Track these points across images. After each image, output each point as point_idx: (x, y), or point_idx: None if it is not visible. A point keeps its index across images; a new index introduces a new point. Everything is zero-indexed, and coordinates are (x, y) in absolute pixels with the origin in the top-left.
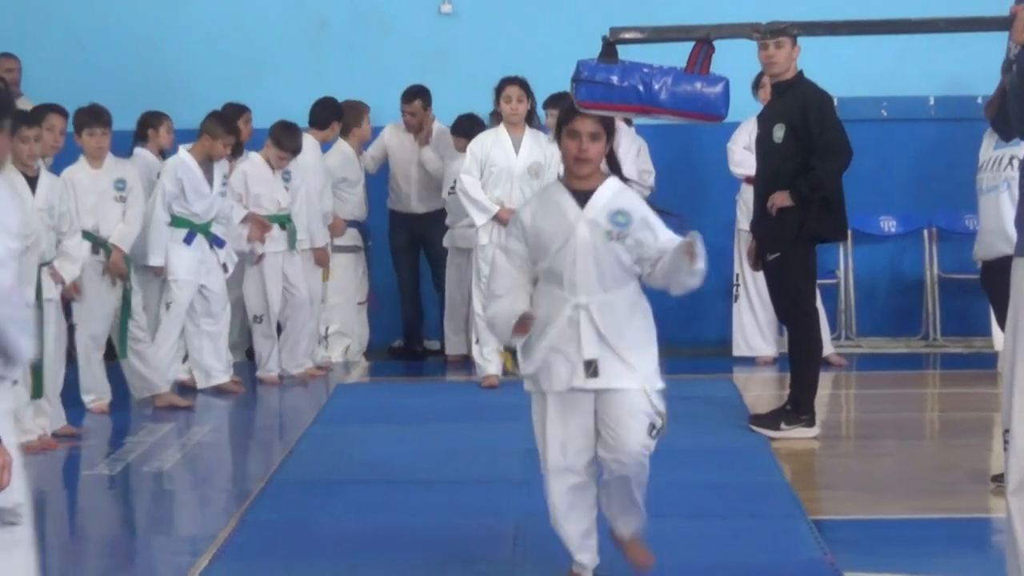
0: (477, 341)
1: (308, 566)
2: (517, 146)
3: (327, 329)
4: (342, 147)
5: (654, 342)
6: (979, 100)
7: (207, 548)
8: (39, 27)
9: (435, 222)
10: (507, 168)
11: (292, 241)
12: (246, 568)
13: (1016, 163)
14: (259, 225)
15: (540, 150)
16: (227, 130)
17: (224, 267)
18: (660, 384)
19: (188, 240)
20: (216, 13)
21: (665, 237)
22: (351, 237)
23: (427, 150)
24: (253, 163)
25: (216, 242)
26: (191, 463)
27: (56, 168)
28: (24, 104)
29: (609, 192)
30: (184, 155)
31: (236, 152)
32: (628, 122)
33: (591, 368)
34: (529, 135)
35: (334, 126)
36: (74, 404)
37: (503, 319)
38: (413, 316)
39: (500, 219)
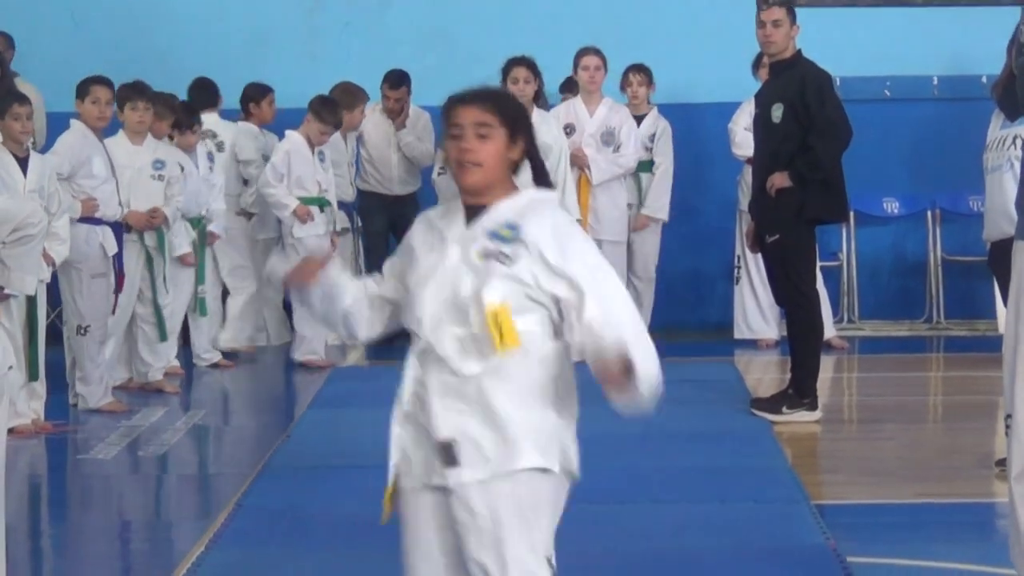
0: None
1: (305, 551)
2: None
3: None
4: (289, 133)
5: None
6: (983, 79)
7: (203, 533)
8: (34, 3)
9: (412, 204)
10: None
11: (332, 224)
12: (243, 553)
13: (1020, 143)
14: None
15: (547, 131)
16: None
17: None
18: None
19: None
20: None
21: (595, 312)
22: (339, 219)
23: (405, 133)
24: (295, 143)
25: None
26: (187, 447)
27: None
28: (20, 84)
29: (512, 208)
30: (295, 135)
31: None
32: (647, 101)
33: (448, 454)
34: (536, 116)
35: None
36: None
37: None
38: None
39: None
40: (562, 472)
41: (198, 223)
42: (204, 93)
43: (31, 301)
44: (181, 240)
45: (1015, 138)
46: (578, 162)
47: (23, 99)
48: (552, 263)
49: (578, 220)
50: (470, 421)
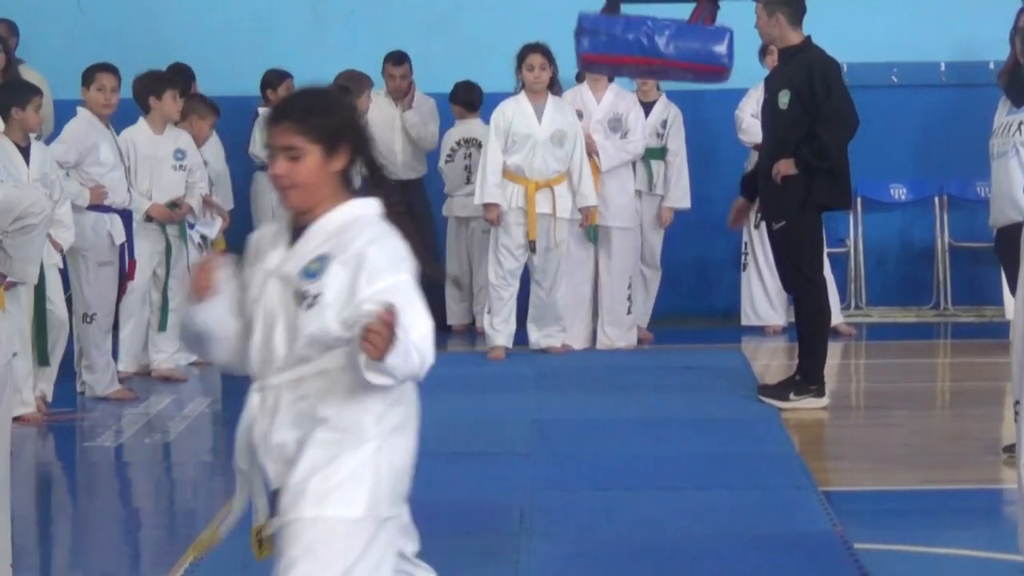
0: (489, 311)
1: None
2: (540, 114)
3: None
4: None
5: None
6: (991, 65)
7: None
8: None
9: (419, 189)
10: (529, 136)
11: None
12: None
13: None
14: None
15: (563, 118)
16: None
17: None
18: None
19: None
20: None
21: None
22: None
23: (411, 114)
24: None
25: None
26: (195, 435)
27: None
28: (26, 72)
29: (329, 228)
30: None
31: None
32: (658, 88)
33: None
34: (552, 103)
35: None
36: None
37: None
38: None
39: (487, 218)
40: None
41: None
42: (179, 78)
43: (39, 288)
44: (212, 228)
45: (1020, 124)
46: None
47: (38, 90)
48: (357, 296)
49: (591, 206)
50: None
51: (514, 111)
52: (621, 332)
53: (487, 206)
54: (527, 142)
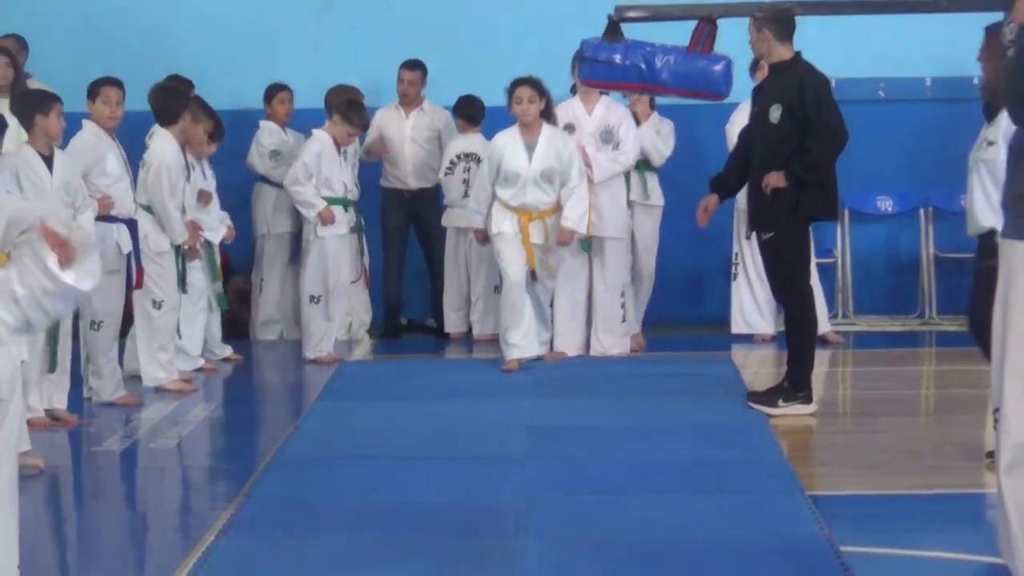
0: (506, 329)
1: (313, 540)
2: (531, 150)
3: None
4: (317, 132)
5: None
6: (975, 81)
7: (214, 522)
8: (46, 5)
9: (429, 199)
10: (519, 174)
11: (357, 226)
12: (252, 542)
13: (986, 144)
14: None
15: (555, 153)
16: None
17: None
18: None
19: None
20: None
21: None
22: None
23: (420, 116)
24: (324, 143)
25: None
26: (199, 439)
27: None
28: (33, 84)
29: None
30: (324, 135)
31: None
32: (651, 103)
33: None
34: (546, 136)
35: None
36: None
37: None
38: (397, 293)
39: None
40: None
41: None
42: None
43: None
44: (216, 233)
45: (986, 140)
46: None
47: (58, 97)
48: None
49: (571, 229)
50: None
51: (506, 145)
52: (615, 340)
53: (474, 228)
54: (517, 180)
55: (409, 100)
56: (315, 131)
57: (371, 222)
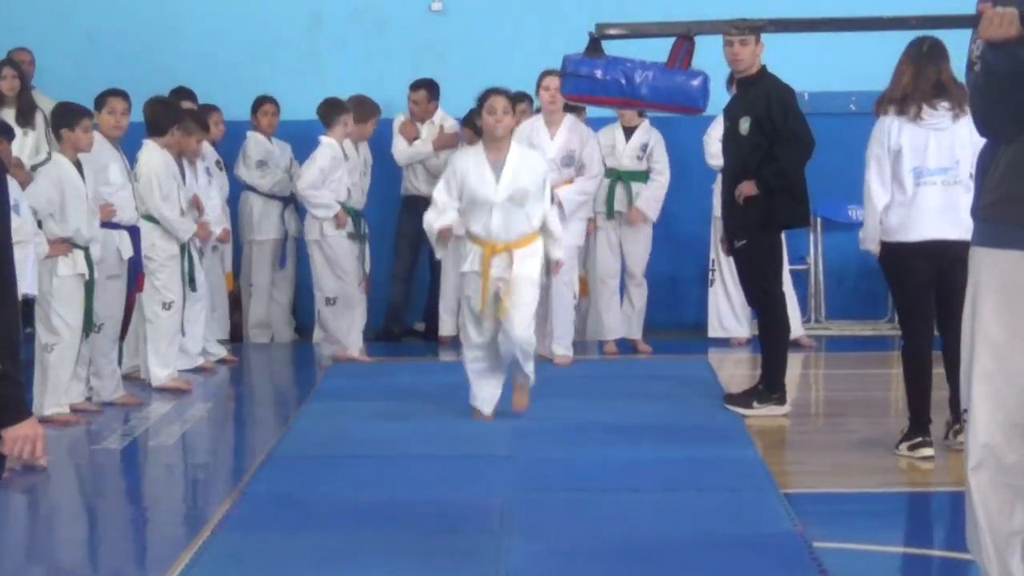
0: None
1: (304, 537)
2: (499, 171)
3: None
4: (326, 140)
5: None
6: None
7: (208, 520)
8: (51, 22)
9: None
10: (484, 197)
11: (359, 234)
12: (245, 539)
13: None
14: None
15: (529, 174)
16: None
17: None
18: None
19: None
20: (217, 11)
21: None
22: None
23: (418, 143)
24: (336, 149)
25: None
26: (194, 439)
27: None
28: (38, 97)
29: None
30: (333, 141)
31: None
32: (641, 114)
33: None
34: (515, 154)
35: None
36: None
37: None
38: (402, 299)
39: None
40: None
41: None
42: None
43: (88, 297)
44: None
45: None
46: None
47: (90, 113)
48: None
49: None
50: None
51: (472, 163)
52: (567, 349)
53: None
54: (480, 206)
55: (418, 117)
56: (323, 138)
57: (387, 230)
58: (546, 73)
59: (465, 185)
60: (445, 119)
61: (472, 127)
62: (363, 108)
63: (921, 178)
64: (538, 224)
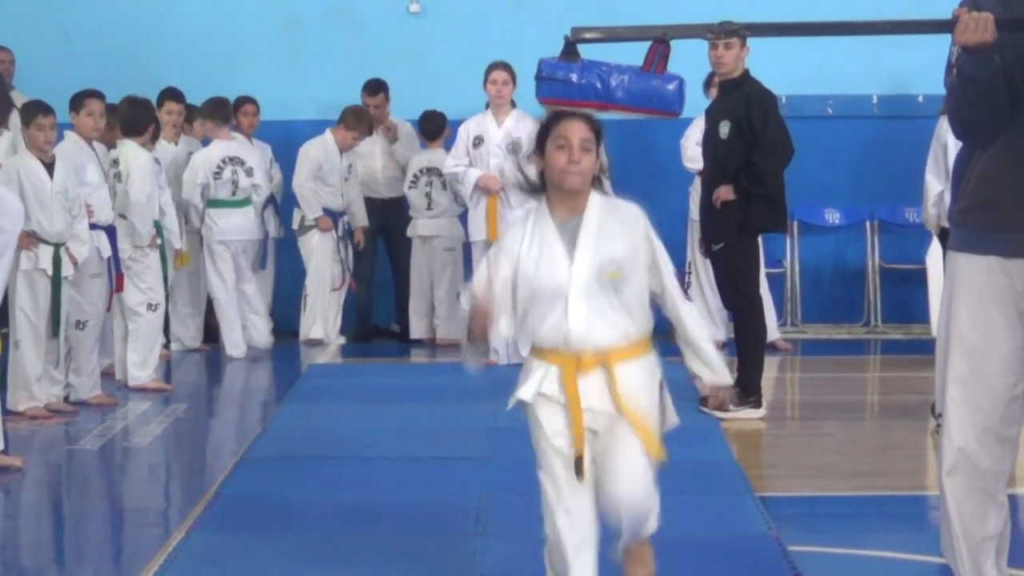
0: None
1: (280, 538)
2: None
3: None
4: (327, 139)
5: None
6: (920, 99)
7: (184, 520)
8: (30, 21)
9: (398, 209)
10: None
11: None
12: (220, 539)
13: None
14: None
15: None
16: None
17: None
18: None
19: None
20: (196, 10)
21: None
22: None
23: (398, 146)
24: (329, 144)
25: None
26: (171, 439)
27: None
28: (16, 97)
29: None
30: (328, 138)
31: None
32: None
33: None
34: (596, 205)
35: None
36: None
37: None
38: (367, 300)
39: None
40: None
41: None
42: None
43: (55, 294)
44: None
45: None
46: (491, 186)
47: (47, 110)
48: None
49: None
50: None
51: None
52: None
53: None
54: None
55: (378, 122)
56: (323, 137)
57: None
58: (493, 67)
59: (520, 271)
60: (404, 124)
61: (424, 131)
62: (357, 118)
63: None
64: (644, 323)
